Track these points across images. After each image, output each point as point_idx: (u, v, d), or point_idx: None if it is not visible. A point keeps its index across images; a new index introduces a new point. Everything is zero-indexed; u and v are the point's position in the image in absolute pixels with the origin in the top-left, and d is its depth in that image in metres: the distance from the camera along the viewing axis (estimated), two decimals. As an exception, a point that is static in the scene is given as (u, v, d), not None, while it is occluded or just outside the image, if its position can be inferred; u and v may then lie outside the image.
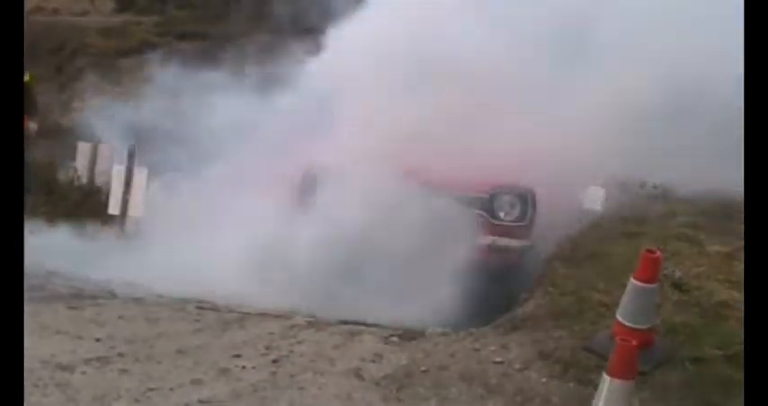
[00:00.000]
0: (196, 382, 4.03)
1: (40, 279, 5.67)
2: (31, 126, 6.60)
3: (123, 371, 4.10)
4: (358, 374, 4.21)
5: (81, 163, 9.12)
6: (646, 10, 6.77)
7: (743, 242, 3.24)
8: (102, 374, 4.05)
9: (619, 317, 4.00)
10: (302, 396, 3.93)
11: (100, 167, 9.03)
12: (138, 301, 5.52)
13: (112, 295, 5.67)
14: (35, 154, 7.41)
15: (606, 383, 3.45)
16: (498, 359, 4.24)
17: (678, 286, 4.56)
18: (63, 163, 9.26)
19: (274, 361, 4.32)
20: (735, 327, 4.11)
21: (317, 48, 7.91)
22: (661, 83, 6.27)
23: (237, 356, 4.37)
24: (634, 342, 3.49)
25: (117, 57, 14.13)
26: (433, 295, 5.56)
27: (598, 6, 6.69)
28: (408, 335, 4.72)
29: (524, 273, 5.84)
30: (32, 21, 13.03)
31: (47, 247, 6.27)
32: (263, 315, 5.21)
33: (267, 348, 4.54)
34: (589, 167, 6.20)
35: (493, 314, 5.04)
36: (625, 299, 3.98)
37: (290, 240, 6.00)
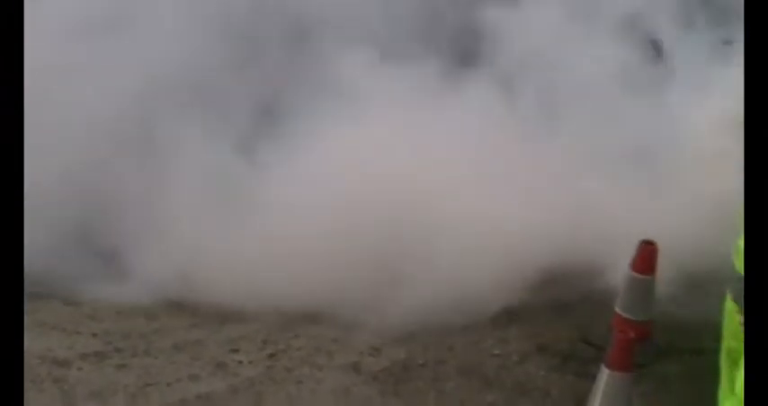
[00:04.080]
0: (193, 377, 4.02)
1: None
2: None
3: (120, 366, 4.09)
4: (356, 368, 4.19)
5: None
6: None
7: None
8: (99, 369, 4.04)
9: (617, 309, 3.97)
10: (299, 390, 3.93)
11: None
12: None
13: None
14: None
15: (604, 375, 3.43)
16: (496, 352, 4.23)
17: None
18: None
19: (271, 355, 4.31)
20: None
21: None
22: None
23: (235, 350, 4.36)
24: (632, 334, 3.47)
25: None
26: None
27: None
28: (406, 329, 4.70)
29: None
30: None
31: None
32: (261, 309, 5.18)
33: (264, 342, 4.53)
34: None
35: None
36: (622, 291, 3.95)
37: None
